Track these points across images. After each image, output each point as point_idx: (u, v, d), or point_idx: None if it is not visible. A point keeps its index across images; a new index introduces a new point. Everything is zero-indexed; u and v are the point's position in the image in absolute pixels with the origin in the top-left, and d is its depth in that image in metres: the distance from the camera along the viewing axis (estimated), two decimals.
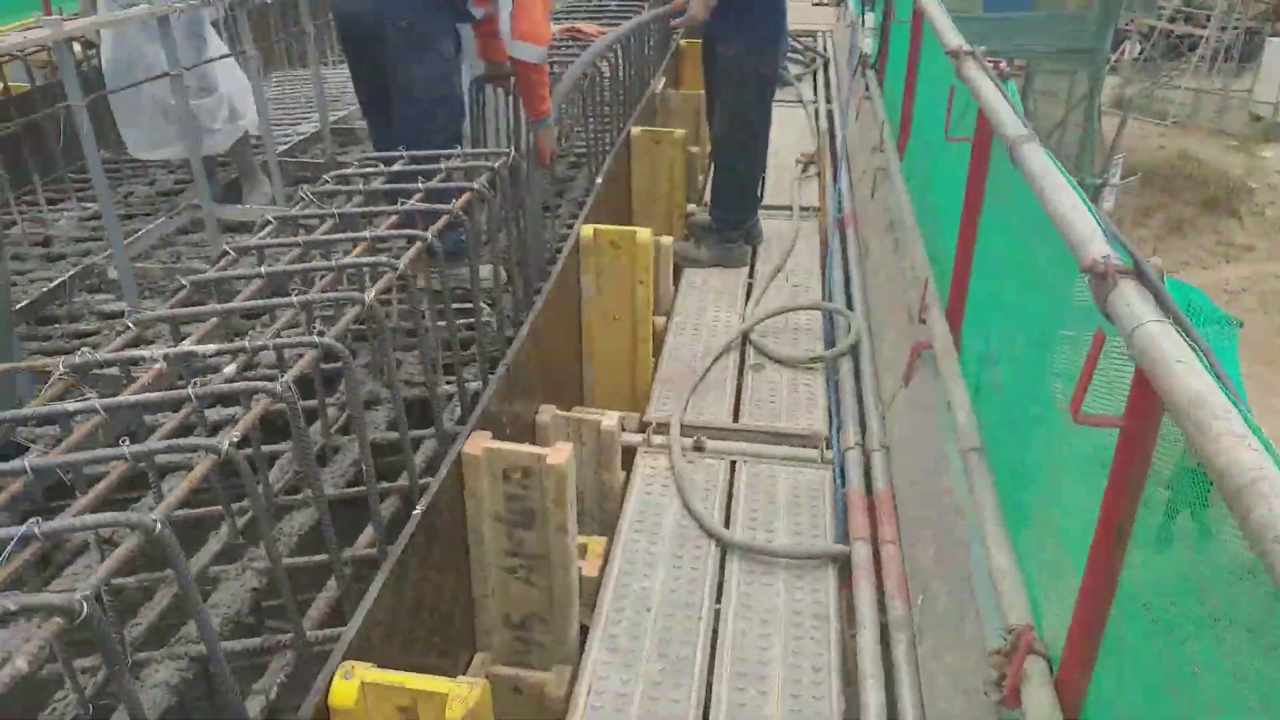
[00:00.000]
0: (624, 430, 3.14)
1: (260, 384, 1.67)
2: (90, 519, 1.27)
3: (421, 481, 2.19)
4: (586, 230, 3.37)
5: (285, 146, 5.44)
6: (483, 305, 2.77)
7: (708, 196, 5.23)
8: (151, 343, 2.27)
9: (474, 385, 2.74)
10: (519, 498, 2.30)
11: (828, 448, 3.21)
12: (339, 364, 1.89)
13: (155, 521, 1.29)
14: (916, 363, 3.02)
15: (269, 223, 2.41)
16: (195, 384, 1.67)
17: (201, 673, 2.25)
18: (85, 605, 1.12)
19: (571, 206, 4.89)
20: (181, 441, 1.51)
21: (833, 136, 6.31)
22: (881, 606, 2.48)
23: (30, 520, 1.26)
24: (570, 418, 2.94)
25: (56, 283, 3.89)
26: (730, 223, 4.47)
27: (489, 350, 2.87)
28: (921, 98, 4.05)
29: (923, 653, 2.32)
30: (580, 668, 2.39)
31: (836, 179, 5.26)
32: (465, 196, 2.55)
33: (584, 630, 2.54)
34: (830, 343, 3.88)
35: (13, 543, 1.25)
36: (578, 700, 2.27)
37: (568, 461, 2.23)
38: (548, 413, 2.94)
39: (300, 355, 1.80)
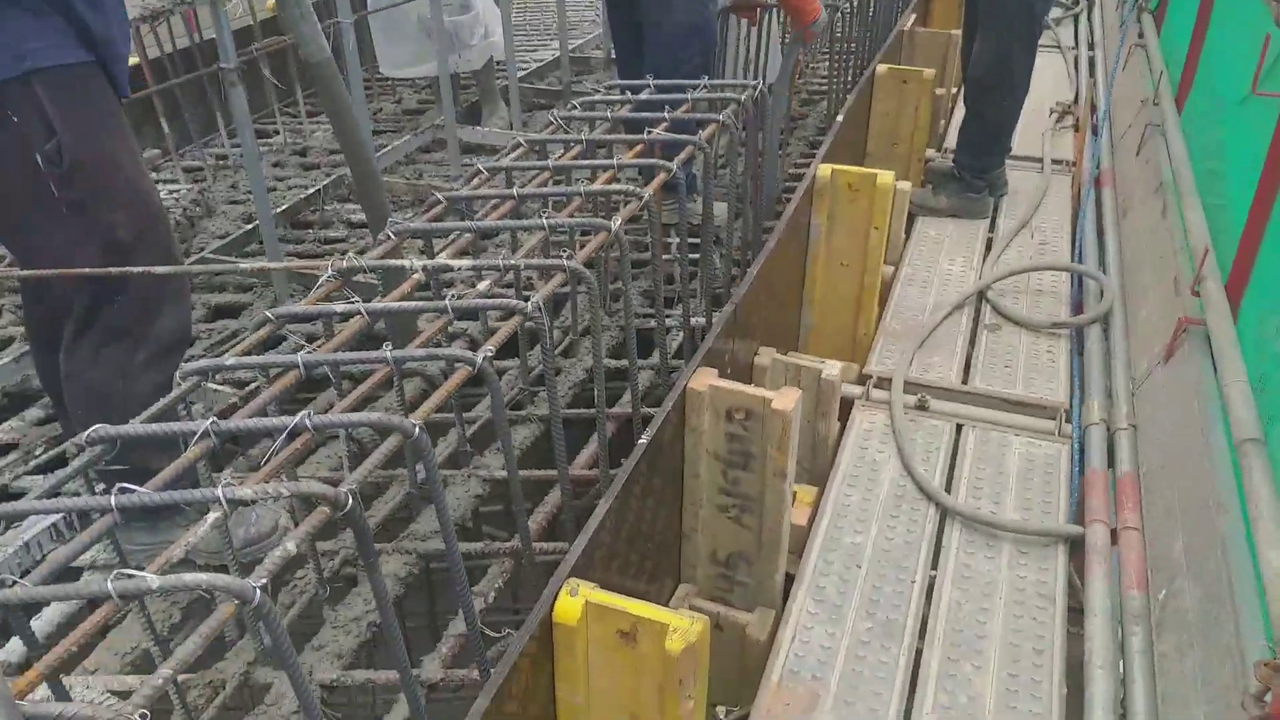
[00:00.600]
0: (842, 381, 3.04)
1: (514, 301, 1.69)
2: (357, 417, 1.32)
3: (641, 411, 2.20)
4: (824, 170, 3.24)
5: (523, 72, 5.55)
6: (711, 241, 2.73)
7: (949, 142, 4.95)
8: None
9: (697, 321, 2.71)
10: (739, 438, 2.26)
11: (1066, 421, 2.98)
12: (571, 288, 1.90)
13: (414, 425, 1.32)
14: (1181, 339, 2.73)
15: (518, 145, 2.44)
16: (451, 296, 1.71)
17: (424, 569, 2.38)
18: (350, 498, 1.16)
19: (801, 145, 4.75)
20: (441, 351, 1.55)
21: (1094, 85, 5.81)
22: (1116, 595, 2.30)
23: (302, 412, 1.32)
24: (789, 363, 2.86)
25: (311, 191, 4.15)
26: (975, 171, 4.19)
27: (713, 287, 2.83)
28: (1215, 45, 3.62)
29: (1161, 650, 2.13)
30: (784, 614, 2.35)
31: (1096, 133, 4.83)
32: (711, 129, 2.49)
33: (788, 579, 2.49)
34: (1076, 308, 3.59)
35: (285, 433, 1.32)
36: (780, 645, 2.23)
37: (794, 408, 2.16)
38: (767, 355, 2.87)
39: (549, 276, 1.81)
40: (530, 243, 2.06)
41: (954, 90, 5.19)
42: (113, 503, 1.17)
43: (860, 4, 4.34)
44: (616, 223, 1.99)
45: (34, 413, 2.85)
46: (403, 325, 2.68)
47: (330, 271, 1.87)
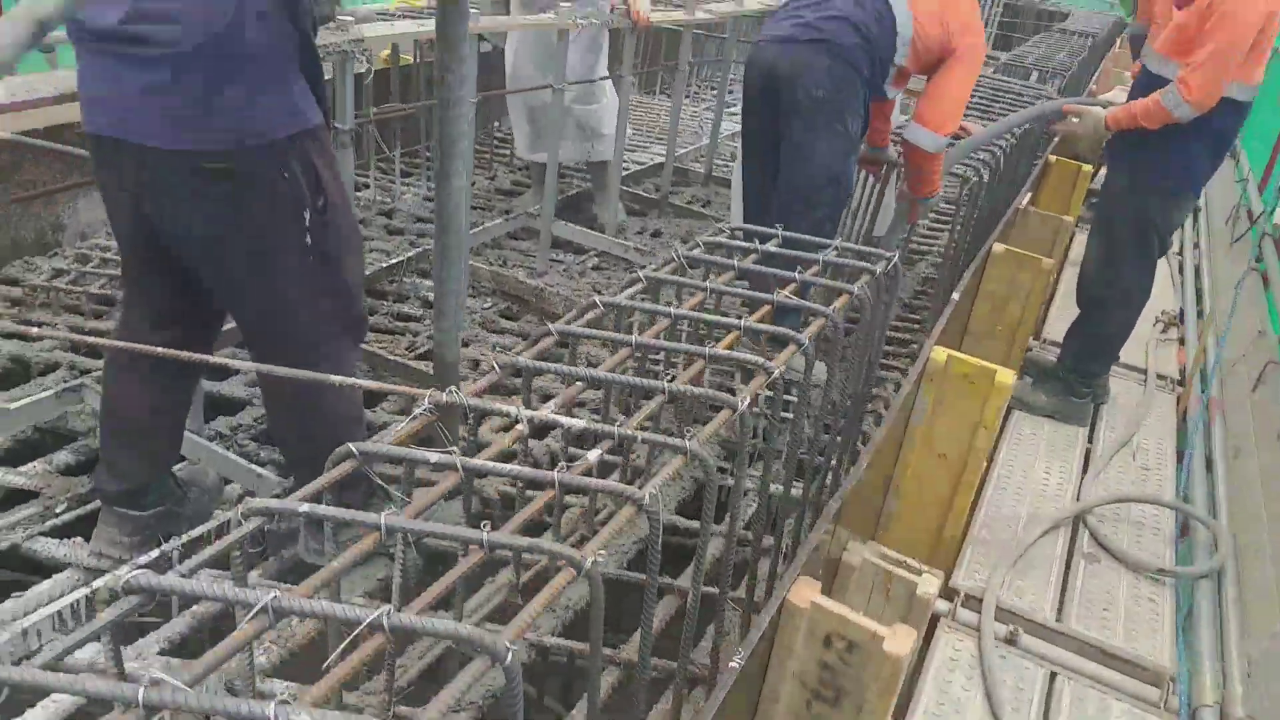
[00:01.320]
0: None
1: (630, 490, 1.44)
2: (526, 541, 1.12)
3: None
4: (939, 355, 3.00)
5: (625, 173, 5.41)
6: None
7: (1047, 331, 4.73)
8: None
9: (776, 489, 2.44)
10: (835, 670, 1.97)
11: (1172, 692, 2.66)
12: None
13: (506, 648, 1.08)
14: None
15: (637, 280, 2.22)
16: (561, 466, 1.46)
17: None
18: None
19: (895, 306, 4.53)
20: (545, 545, 1.29)
21: (1198, 296, 5.59)
22: None
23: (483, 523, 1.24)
24: (881, 567, 2.57)
25: (394, 261, 3.96)
26: (1081, 376, 3.94)
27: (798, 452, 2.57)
28: None
29: None
30: None
31: (1205, 352, 4.58)
32: (842, 300, 2.27)
33: None
34: (1179, 550, 3.29)
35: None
36: None
37: (907, 654, 1.87)
38: (857, 554, 2.59)
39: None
40: (649, 408, 1.81)
41: (1051, 278, 4.98)
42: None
43: (989, 173, 4.17)
44: (744, 401, 1.74)
45: (62, 458, 2.61)
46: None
47: (427, 405, 1.63)
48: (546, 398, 3.23)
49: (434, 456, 1.48)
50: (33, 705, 1.88)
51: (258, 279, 2.00)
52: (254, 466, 2.57)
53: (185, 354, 1.82)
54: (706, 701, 1.68)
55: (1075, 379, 3.95)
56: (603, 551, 1.33)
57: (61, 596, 2.14)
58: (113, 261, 3.49)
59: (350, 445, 1.48)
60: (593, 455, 1.58)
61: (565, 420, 1.61)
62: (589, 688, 1.39)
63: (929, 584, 2.54)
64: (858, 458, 2.58)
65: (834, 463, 2.56)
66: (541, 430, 2.99)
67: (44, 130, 3.51)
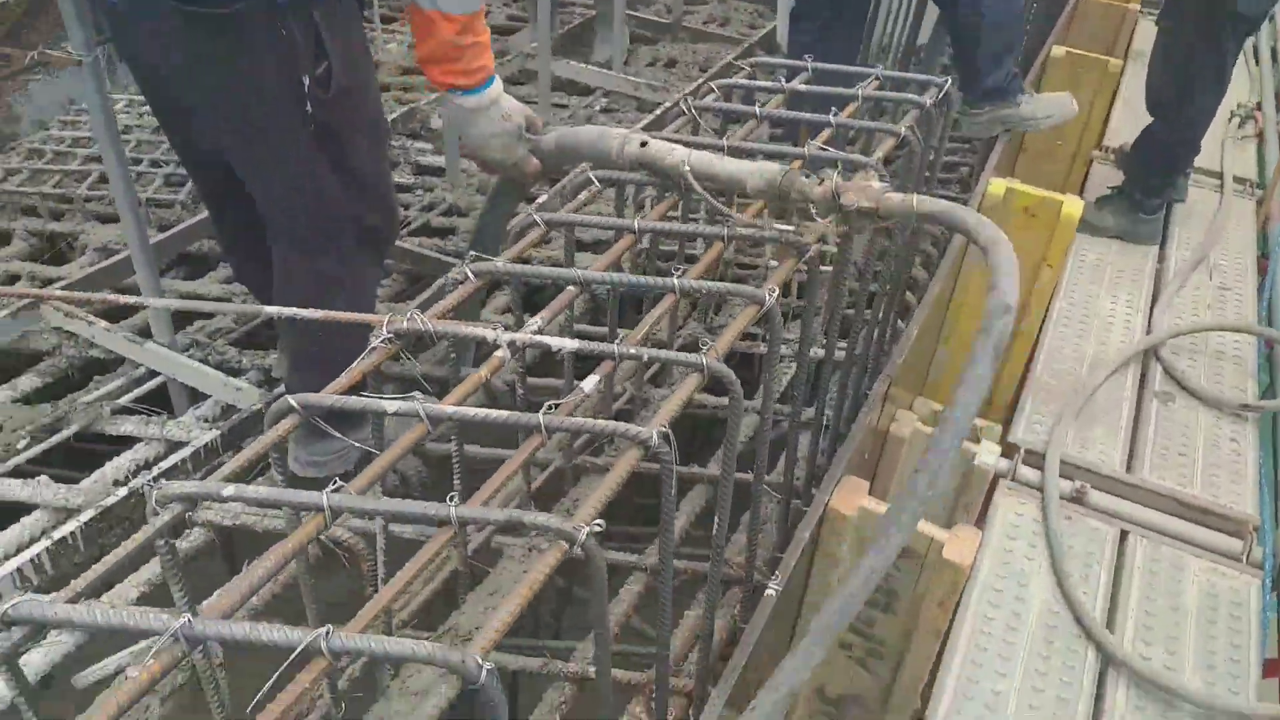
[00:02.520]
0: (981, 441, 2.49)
1: (633, 429, 1.18)
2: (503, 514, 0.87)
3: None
4: (996, 188, 2.63)
5: None
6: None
7: (1108, 139, 4.26)
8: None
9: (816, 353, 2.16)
10: (887, 577, 1.74)
11: (1256, 543, 2.42)
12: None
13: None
14: None
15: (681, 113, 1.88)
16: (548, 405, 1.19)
17: None
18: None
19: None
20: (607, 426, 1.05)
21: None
22: None
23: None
24: (931, 434, 2.31)
25: None
26: (1149, 190, 3.53)
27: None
28: None
29: None
30: None
31: None
32: (888, 145, 1.92)
33: None
34: (1263, 381, 2.99)
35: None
36: None
37: (972, 561, 1.63)
38: (908, 422, 2.33)
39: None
40: (659, 309, 1.50)
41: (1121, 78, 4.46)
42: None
43: None
44: (771, 294, 1.44)
45: (27, 382, 2.40)
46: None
47: (385, 333, 1.35)
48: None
49: (392, 406, 1.22)
50: None
51: (260, 149, 1.92)
52: (231, 380, 2.33)
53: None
54: (742, 606, 1.47)
55: (1143, 194, 3.54)
56: (599, 522, 1.08)
57: (28, 545, 1.97)
58: (67, 155, 3.18)
59: (288, 399, 1.22)
60: (588, 384, 1.30)
61: (553, 342, 1.32)
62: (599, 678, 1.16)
63: (988, 452, 2.30)
64: (907, 312, 2.27)
65: (880, 318, 2.26)
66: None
67: None
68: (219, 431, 2.14)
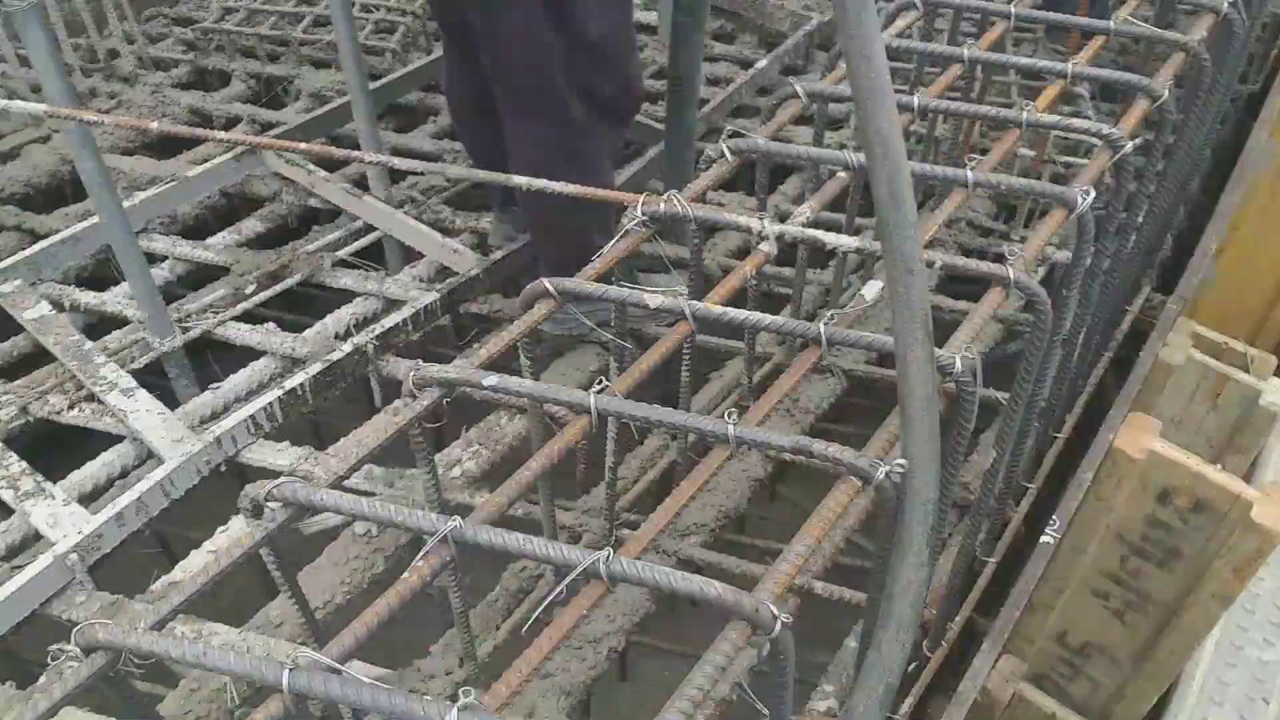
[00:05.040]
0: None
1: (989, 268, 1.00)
2: (789, 440, 0.73)
3: None
4: None
5: None
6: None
7: None
8: None
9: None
10: (1171, 530, 1.53)
11: None
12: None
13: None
14: None
15: (912, 7, 1.60)
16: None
17: None
18: None
19: None
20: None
21: None
22: None
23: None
24: (1210, 366, 2.03)
25: None
26: None
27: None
28: None
29: None
30: None
31: None
32: (1206, 21, 1.59)
33: None
34: None
35: None
36: None
37: None
38: (1179, 350, 2.04)
39: None
40: (947, 205, 1.29)
41: None
42: None
43: None
44: (1085, 198, 1.20)
45: (251, 226, 2.40)
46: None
47: (640, 215, 1.20)
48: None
49: (655, 300, 1.08)
50: None
51: (485, 7, 1.77)
52: (448, 240, 2.25)
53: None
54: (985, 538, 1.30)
55: None
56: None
57: (257, 393, 1.98)
58: None
59: (544, 282, 1.10)
60: (869, 291, 1.12)
61: (829, 238, 1.14)
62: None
63: (1275, 390, 1.99)
64: (1204, 235, 1.97)
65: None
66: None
67: None
68: (439, 294, 2.08)
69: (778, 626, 0.81)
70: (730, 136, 1.25)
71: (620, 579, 0.84)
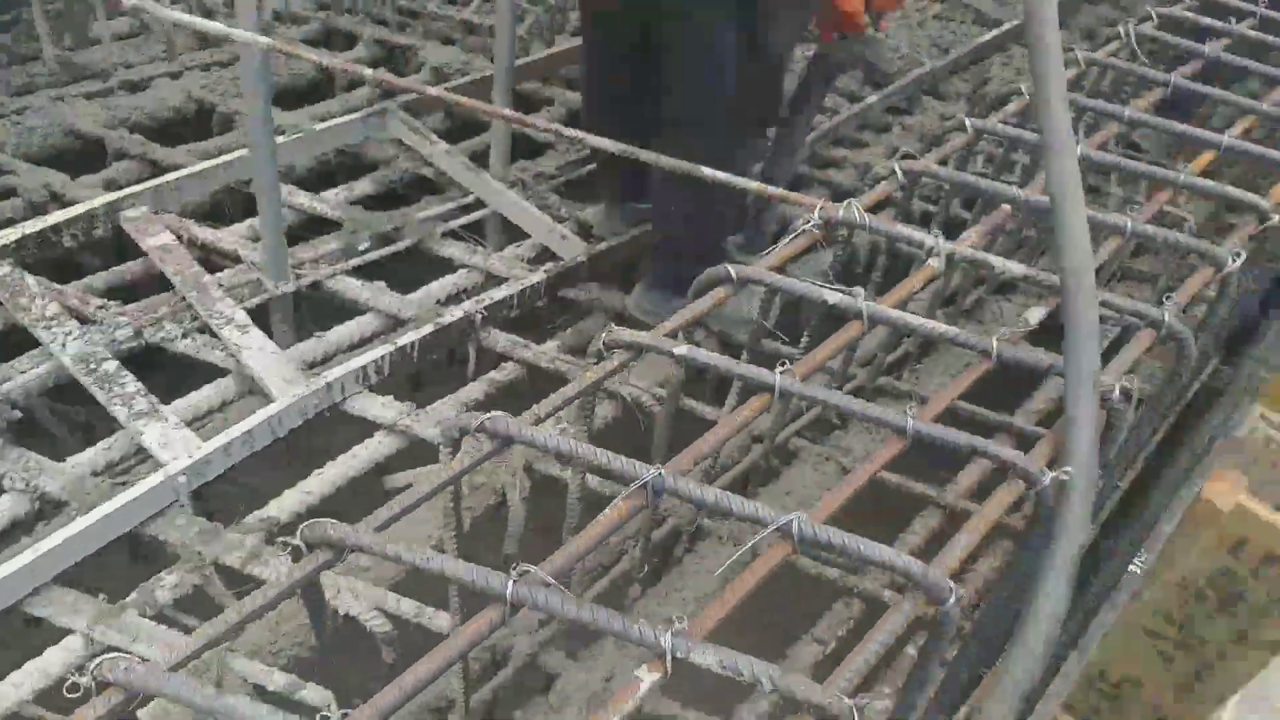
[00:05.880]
0: None
1: (1141, 308, 1.08)
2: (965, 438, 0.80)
3: None
4: None
5: None
6: None
7: None
8: None
9: None
10: (1236, 578, 1.60)
11: None
12: None
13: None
14: None
15: (1074, 63, 1.70)
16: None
17: None
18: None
19: None
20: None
21: None
22: None
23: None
24: (1274, 437, 2.10)
25: None
26: None
27: None
28: None
29: None
30: None
31: None
32: None
33: None
34: None
35: None
36: None
37: None
38: (1250, 417, 2.12)
39: None
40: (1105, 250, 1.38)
41: None
42: None
43: None
44: (1235, 260, 1.28)
45: (363, 187, 2.49)
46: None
47: (816, 218, 1.29)
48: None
49: (833, 297, 1.16)
50: None
51: (687, 23, 1.89)
52: (557, 226, 2.34)
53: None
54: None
55: None
56: (1069, 470, 1.00)
57: (364, 345, 2.06)
58: None
59: (727, 267, 1.18)
60: (1034, 316, 1.21)
61: (997, 262, 1.22)
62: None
63: None
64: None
65: None
66: None
67: None
68: (545, 275, 2.17)
69: (951, 600, 0.89)
70: (902, 158, 1.34)
71: (812, 542, 0.92)
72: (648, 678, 0.82)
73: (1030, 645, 1.04)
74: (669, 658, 0.82)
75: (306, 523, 0.91)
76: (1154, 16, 1.78)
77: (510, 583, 0.86)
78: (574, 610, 0.85)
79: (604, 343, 1.12)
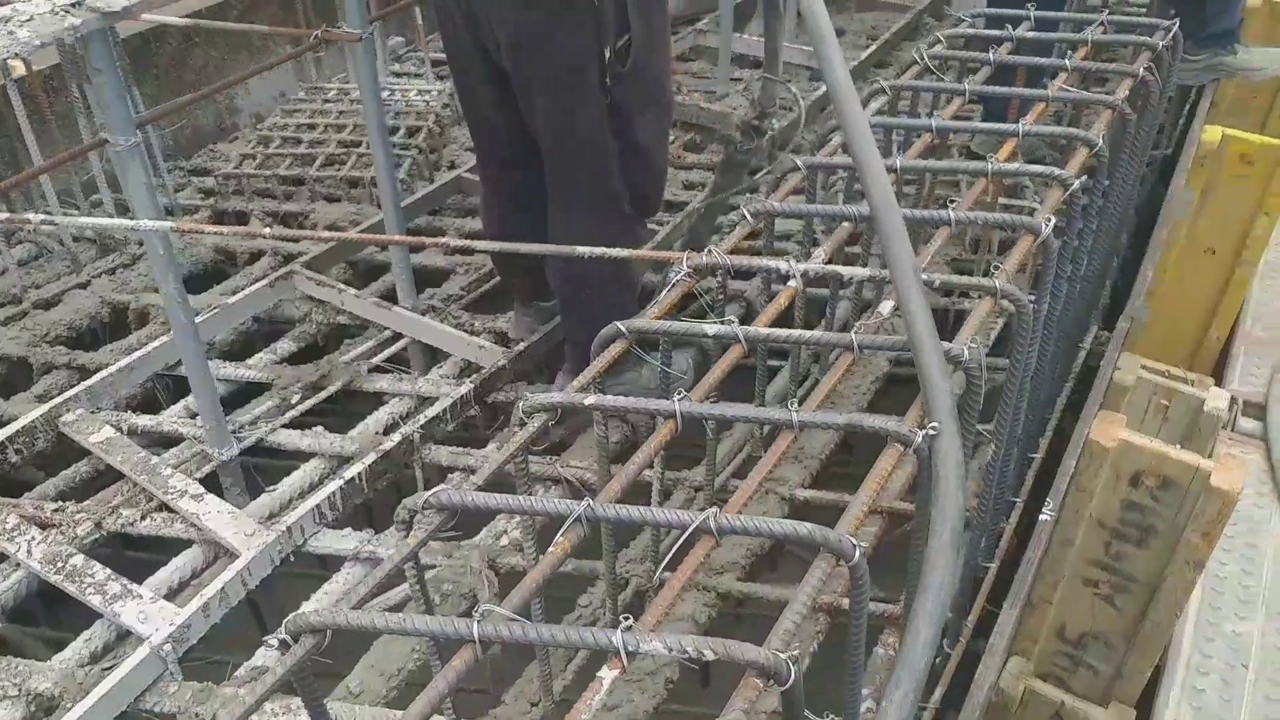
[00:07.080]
0: None
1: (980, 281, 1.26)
2: (843, 418, 0.93)
3: None
4: (1211, 134, 2.59)
5: None
6: None
7: None
8: None
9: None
10: (1143, 509, 1.77)
11: None
12: None
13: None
14: None
15: (880, 92, 1.93)
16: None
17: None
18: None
19: None
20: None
21: None
22: None
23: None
24: (1159, 384, 2.31)
25: None
26: None
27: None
28: None
29: None
30: (1152, 718, 1.89)
31: None
32: (1125, 85, 1.93)
33: None
34: None
35: None
36: None
37: (1240, 488, 1.64)
38: (1131, 368, 2.32)
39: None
40: (933, 245, 1.57)
41: None
42: None
43: None
44: (1046, 224, 1.48)
45: (285, 346, 2.62)
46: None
47: (684, 269, 1.46)
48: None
49: (713, 328, 1.32)
50: None
51: (553, 97, 2.05)
52: (473, 339, 2.50)
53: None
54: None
55: None
56: (935, 424, 1.16)
57: (315, 488, 2.16)
58: (292, 140, 3.43)
59: (618, 325, 1.34)
60: (885, 308, 1.38)
61: (845, 270, 1.41)
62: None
63: (1218, 398, 2.27)
64: (1141, 269, 2.28)
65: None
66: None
67: (206, 11, 3.43)
68: (472, 385, 2.31)
69: (857, 554, 1.03)
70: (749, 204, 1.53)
71: (728, 532, 1.05)
72: (609, 675, 0.94)
73: (928, 585, 1.17)
74: (624, 654, 0.94)
75: (289, 616, 1.01)
76: (942, 40, 2.04)
77: (475, 624, 0.97)
78: (534, 633, 0.97)
79: (523, 410, 1.26)
